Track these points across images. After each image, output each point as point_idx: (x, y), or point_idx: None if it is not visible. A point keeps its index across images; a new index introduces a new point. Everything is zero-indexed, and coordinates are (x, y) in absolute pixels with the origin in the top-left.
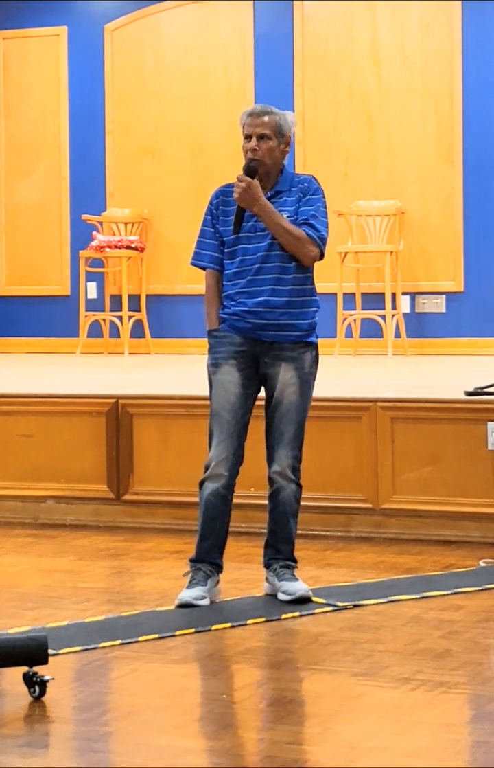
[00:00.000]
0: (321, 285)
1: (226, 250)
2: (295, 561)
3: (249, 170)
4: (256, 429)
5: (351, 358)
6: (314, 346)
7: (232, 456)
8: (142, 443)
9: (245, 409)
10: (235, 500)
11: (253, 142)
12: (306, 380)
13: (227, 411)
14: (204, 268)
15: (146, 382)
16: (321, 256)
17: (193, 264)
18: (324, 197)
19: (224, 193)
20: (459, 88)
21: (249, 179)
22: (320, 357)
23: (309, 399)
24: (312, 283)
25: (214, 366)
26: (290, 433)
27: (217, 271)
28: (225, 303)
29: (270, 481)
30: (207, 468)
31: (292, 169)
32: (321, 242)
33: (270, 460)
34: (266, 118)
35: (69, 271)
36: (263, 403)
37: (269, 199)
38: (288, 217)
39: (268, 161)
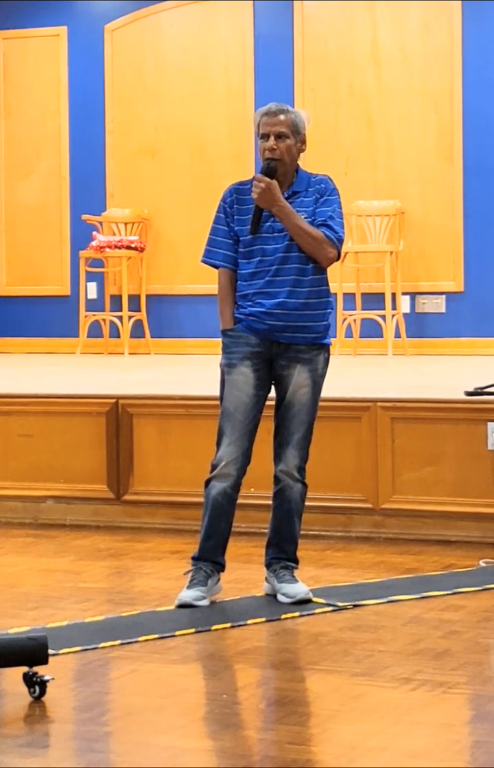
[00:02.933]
0: None
1: (241, 250)
2: (297, 561)
3: (268, 170)
4: (259, 428)
5: (351, 358)
6: (327, 348)
7: (241, 456)
8: (142, 443)
9: (257, 410)
10: (238, 500)
11: (271, 141)
12: (318, 382)
13: (240, 411)
14: (217, 267)
15: (146, 382)
16: (339, 257)
17: (204, 262)
18: (339, 198)
19: (239, 191)
20: (459, 88)
21: (268, 180)
22: None
23: (318, 400)
24: (328, 285)
25: (228, 366)
26: (300, 434)
27: (231, 270)
28: (240, 303)
29: (276, 479)
30: (215, 467)
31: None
32: (339, 243)
33: (277, 458)
34: (282, 117)
35: (69, 271)
36: (272, 403)
37: (286, 199)
38: (305, 218)
39: (287, 160)
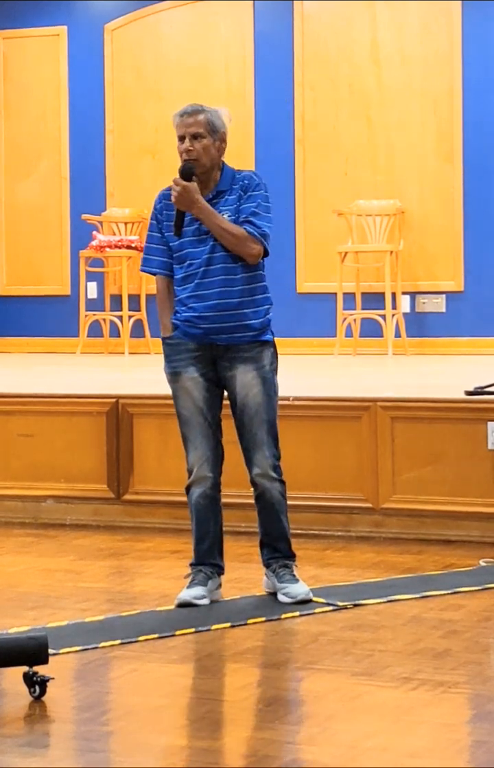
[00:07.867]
0: (322, 285)
1: (174, 255)
2: (294, 556)
3: (185, 172)
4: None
5: (351, 358)
6: (271, 344)
7: (212, 456)
8: (142, 443)
9: (215, 409)
10: (234, 500)
11: (187, 142)
12: (268, 378)
13: (197, 415)
14: (154, 274)
15: (146, 381)
16: (266, 253)
17: (142, 270)
18: (266, 192)
19: (166, 197)
20: (458, 88)
21: (184, 182)
22: (316, 356)
23: (275, 397)
24: (263, 281)
25: (174, 374)
26: (263, 434)
27: (167, 276)
28: (177, 308)
29: (254, 484)
30: (190, 473)
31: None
32: (262, 238)
33: (249, 463)
34: (199, 117)
35: (69, 271)
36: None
37: (212, 199)
38: (229, 216)
39: (205, 160)
